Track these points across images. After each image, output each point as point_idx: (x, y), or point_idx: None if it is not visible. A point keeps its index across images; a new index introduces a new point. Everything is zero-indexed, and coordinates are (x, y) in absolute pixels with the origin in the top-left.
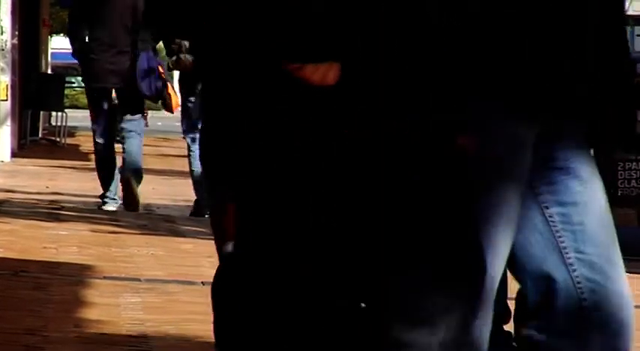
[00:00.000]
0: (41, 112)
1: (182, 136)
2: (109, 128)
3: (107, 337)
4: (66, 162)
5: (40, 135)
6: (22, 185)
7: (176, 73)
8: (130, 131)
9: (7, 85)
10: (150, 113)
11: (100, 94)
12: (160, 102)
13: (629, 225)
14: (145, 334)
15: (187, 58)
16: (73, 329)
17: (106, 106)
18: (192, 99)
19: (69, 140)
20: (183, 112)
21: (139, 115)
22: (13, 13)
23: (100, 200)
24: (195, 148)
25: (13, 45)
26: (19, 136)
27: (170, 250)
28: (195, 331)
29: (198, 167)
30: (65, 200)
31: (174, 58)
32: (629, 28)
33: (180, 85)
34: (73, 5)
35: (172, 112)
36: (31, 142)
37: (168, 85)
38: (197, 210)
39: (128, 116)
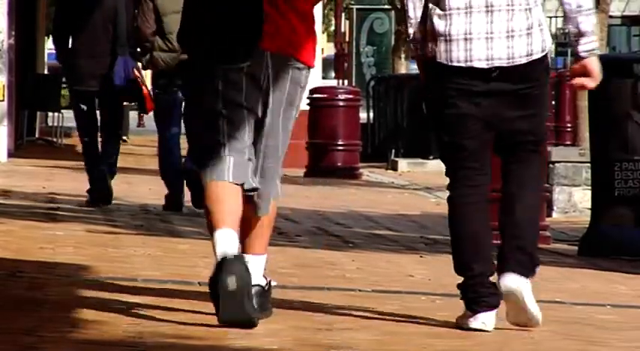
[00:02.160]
0: (38, 113)
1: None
2: (93, 127)
3: (104, 338)
4: (62, 162)
5: (36, 135)
6: (19, 185)
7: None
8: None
9: (3, 86)
10: None
11: (83, 96)
12: (136, 104)
13: (626, 225)
14: (142, 334)
15: (160, 55)
16: (70, 329)
17: (89, 107)
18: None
19: (65, 140)
20: (158, 111)
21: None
22: (9, 13)
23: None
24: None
25: (9, 45)
26: (15, 137)
27: (166, 251)
28: (191, 331)
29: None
30: (62, 200)
31: (147, 56)
32: (625, 29)
33: (152, 82)
34: (56, 11)
35: (147, 113)
36: (27, 143)
37: (144, 88)
38: (171, 204)
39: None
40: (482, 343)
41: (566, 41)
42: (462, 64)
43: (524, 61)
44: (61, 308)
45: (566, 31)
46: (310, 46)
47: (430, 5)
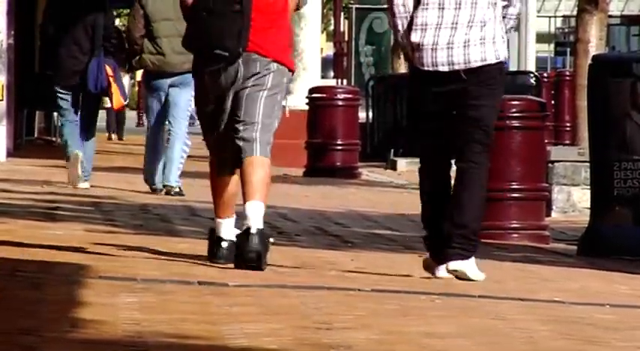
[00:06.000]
0: (37, 112)
1: (146, 129)
2: (74, 118)
3: (103, 337)
4: (62, 162)
5: (35, 135)
6: (18, 185)
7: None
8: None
9: (2, 85)
10: None
11: (66, 91)
12: (107, 99)
13: (626, 225)
14: (141, 333)
15: (149, 57)
16: (69, 329)
17: (71, 100)
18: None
19: None
20: (146, 107)
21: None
22: (8, 13)
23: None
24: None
25: (8, 45)
26: (14, 136)
27: (166, 250)
28: (191, 331)
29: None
30: (61, 200)
31: (137, 58)
32: (624, 28)
33: (143, 83)
34: (44, 16)
35: (114, 109)
36: (26, 142)
37: (113, 85)
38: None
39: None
40: (482, 343)
41: (565, 41)
42: (430, 68)
43: (479, 64)
44: (60, 308)
45: (565, 30)
46: (278, 44)
47: (413, 20)
